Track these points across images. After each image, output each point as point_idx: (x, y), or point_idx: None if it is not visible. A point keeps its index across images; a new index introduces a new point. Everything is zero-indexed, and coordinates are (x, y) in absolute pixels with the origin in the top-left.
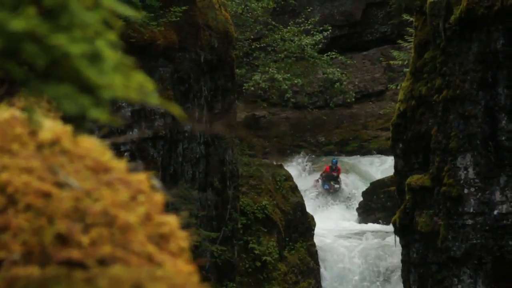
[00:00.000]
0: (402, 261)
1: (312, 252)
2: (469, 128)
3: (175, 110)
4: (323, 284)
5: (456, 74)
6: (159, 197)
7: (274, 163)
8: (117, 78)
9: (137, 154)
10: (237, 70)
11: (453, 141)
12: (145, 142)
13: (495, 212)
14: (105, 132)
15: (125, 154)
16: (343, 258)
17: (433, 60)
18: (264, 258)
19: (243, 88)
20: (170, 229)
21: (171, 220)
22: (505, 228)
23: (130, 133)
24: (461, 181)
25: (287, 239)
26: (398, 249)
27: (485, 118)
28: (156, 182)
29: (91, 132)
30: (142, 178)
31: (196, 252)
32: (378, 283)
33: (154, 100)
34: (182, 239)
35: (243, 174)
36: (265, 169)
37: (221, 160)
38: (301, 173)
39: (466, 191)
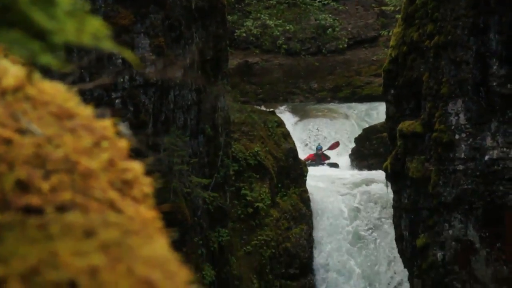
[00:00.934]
0: (394, 206)
1: (304, 198)
2: (460, 73)
3: (130, 56)
4: (315, 230)
5: (447, 20)
6: (124, 143)
7: (266, 109)
8: (70, 23)
9: (129, 101)
10: (229, 16)
11: (444, 87)
12: (136, 89)
13: (486, 157)
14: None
15: (116, 101)
16: (335, 204)
17: (424, 5)
18: (256, 204)
19: (235, 34)
20: (134, 175)
21: (136, 166)
22: (495, 173)
23: (121, 80)
24: (452, 127)
25: (279, 185)
26: (390, 195)
27: (476, 63)
28: (124, 128)
29: (81, 79)
30: (107, 124)
31: (188, 198)
32: (369, 229)
33: (108, 45)
34: (146, 185)
35: (235, 121)
36: (257, 115)
37: (213, 107)
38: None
39: (457, 136)
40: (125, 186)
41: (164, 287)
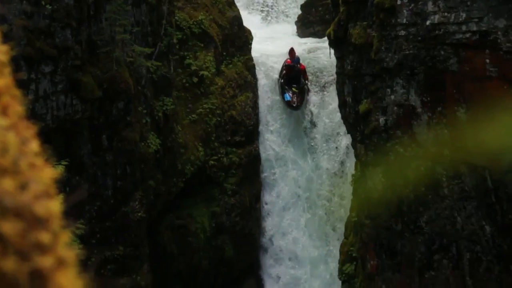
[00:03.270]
0: (337, 73)
1: (249, 66)
2: None
3: None
4: (260, 96)
5: None
6: None
7: None
8: None
9: None
10: None
11: None
12: None
13: (428, 22)
14: None
15: None
16: (279, 69)
17: None
18: (201, 73)
19: None
20: None
21: None
22: (437, 38)
23: None
24: None
25: (224, 53)
26: (333, 61)
27: None
28: None
29: None
30: None
31: (131, 68)
32: (314, 92)
33: None
34: (2, 53)
35: None
36: None
37: None
38: None
39: (399, 2)
40: None
41: None
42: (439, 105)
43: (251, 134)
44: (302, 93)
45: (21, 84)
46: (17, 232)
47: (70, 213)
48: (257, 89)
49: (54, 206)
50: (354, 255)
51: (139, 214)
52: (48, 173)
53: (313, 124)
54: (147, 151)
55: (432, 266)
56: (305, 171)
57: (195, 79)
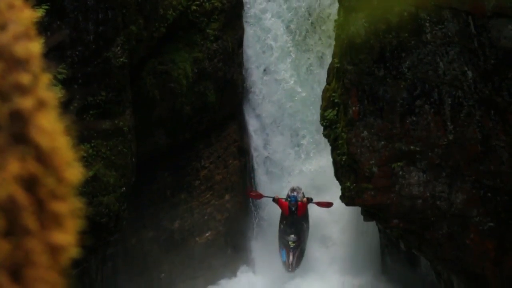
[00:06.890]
0: None
1: None
2: None
3: None
4: None
5: None
6: None
7: None
8: None
9: None
10: None
11: None
12: None
13: None
14: None
15: None
16: None
17: None
18: None
19: None
20: None
21: None
22: None
23: None
24: None
25: None
26: None
27: None
28: None
29: None
30: None
31: None
32: None
33: None
34: None
35: None
36: None
37: None
38: None
39: None
40: None
41: None
42: None
43: None
44: (300, 248)
45: None
46: None
47: (51, 58)
48: None
49: (34, 47)
50: (336, 100)
51: (121, 59)
52: (27, 14)
53: None
54: None
55: (413, 111)
56: None
57: None
